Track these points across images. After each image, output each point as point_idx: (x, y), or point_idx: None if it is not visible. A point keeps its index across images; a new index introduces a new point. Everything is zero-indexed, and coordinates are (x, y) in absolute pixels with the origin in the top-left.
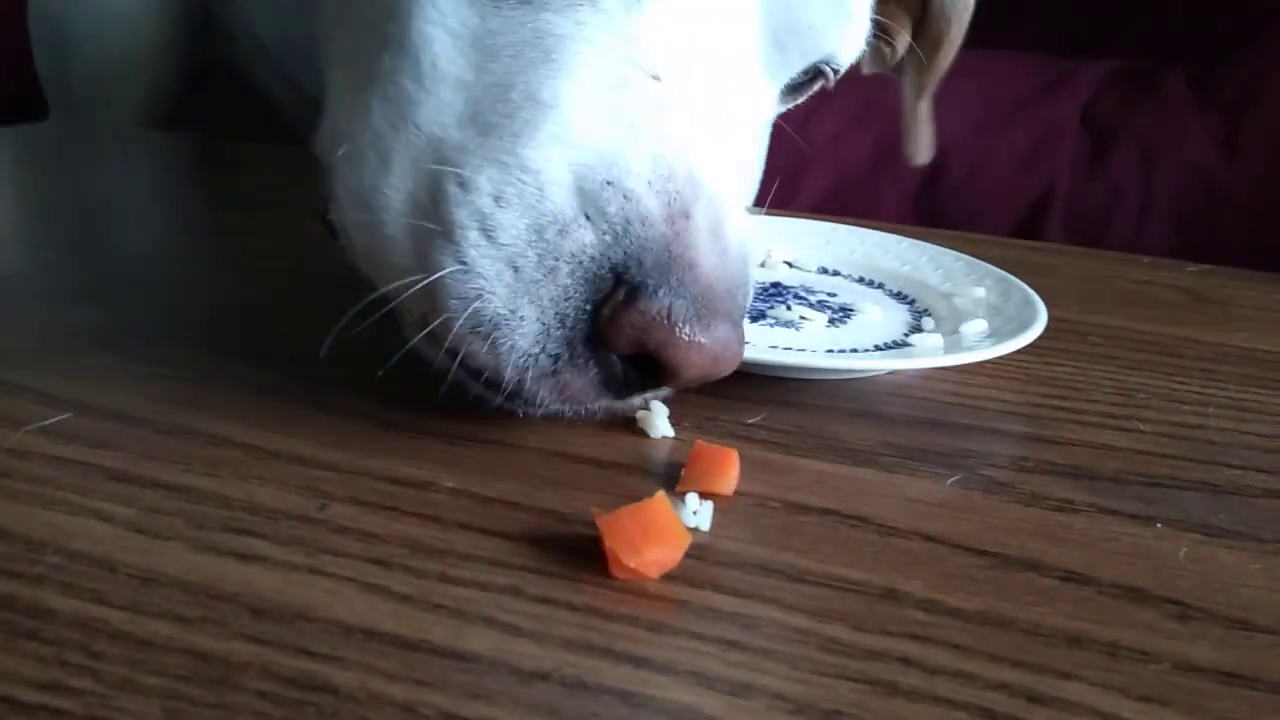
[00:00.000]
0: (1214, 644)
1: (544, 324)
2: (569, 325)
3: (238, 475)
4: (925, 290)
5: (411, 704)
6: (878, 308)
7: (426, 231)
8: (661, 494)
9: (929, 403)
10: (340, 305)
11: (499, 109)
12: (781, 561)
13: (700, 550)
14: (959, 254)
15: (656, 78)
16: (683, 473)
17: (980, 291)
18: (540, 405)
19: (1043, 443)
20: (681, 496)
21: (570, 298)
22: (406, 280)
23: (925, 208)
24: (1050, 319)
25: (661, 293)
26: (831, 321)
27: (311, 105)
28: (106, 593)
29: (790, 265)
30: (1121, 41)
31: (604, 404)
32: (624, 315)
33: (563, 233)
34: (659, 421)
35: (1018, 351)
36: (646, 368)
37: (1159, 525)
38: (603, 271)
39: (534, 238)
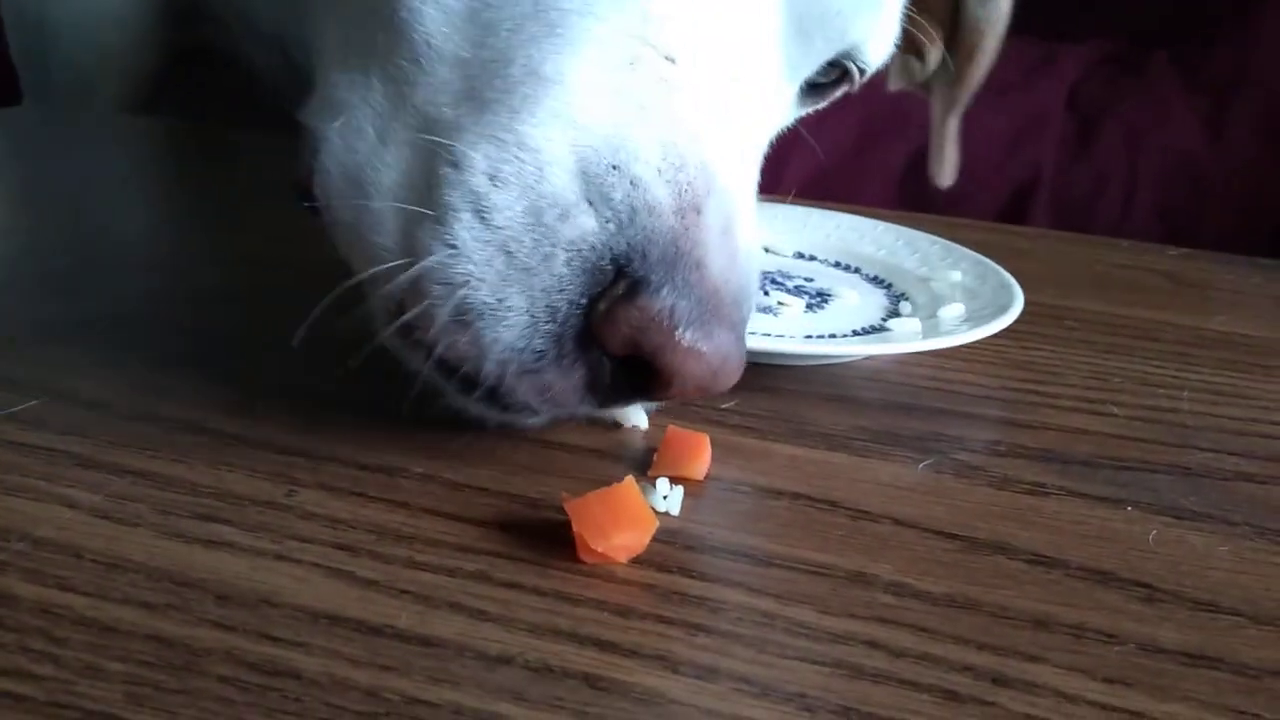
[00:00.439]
0: (1179, 626)
1: (533, 316)
2: (559, 319)
3: (206, 461)
4: (902, 275)
5: (375, 689)
6: (855, 292)
7: (416, 215)
8: (630, 479)
9: (904, 387)
10: (313, 295)
11: (496, 84)
12: (750, 546)
13: (669, 535)
14: (935, 238)
15: (670, 59)
16: (655, 458)
17: (957, 275)
18: (518, 407)
19: (1016, 427)
20: (653, 481)
21: (564, 289)
22: (388, 265)
23: (910, 193)
24: (1028, 303)
25: (665, 291)
26: (809, 306)
27: (303, 79)
28: (71, 579)
29: (767, 250)
30: (1108, 25)
31: (585, 410)
32: (622, 311)
33: (563, 217)
34: (631, 408)
35: (994, 336)
36: (636, 374)
37: (1129, 508)
38: (603, 263)
39: (531, 221)
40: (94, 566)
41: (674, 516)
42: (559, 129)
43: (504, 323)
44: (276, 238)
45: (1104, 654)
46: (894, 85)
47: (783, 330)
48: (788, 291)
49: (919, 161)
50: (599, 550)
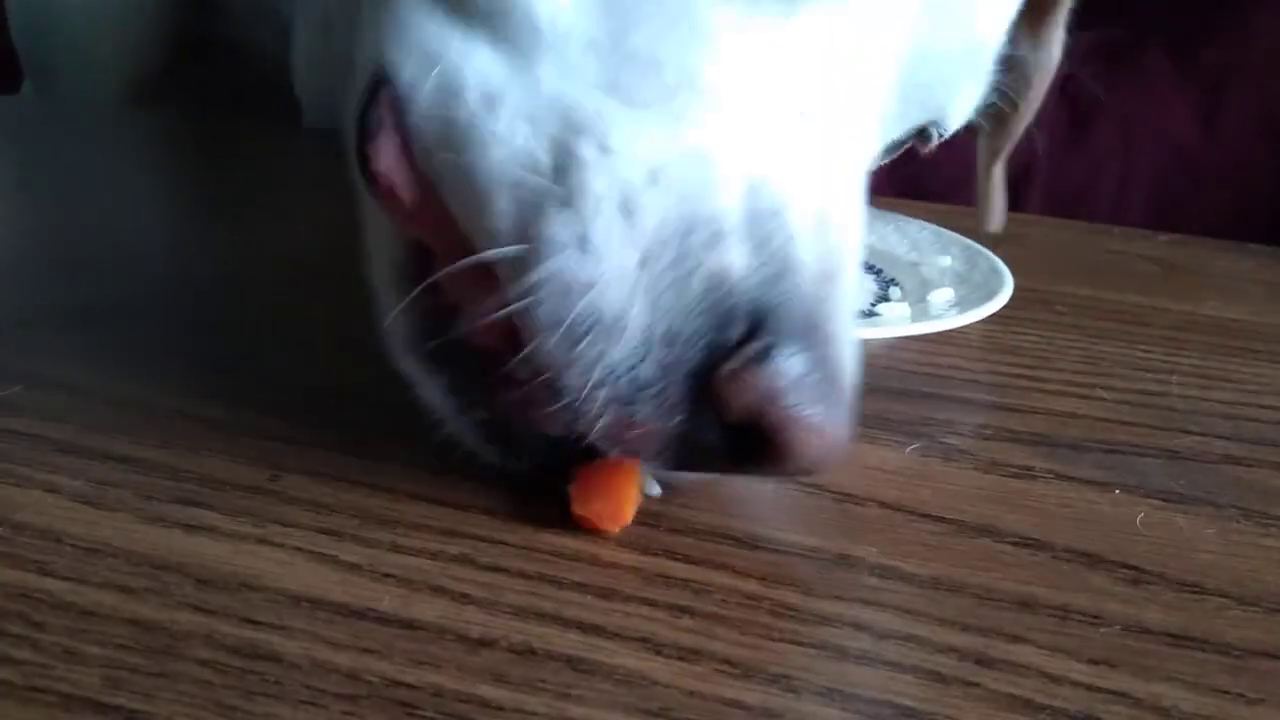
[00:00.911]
0: (1164, 607)
1: (648, 339)
2: (676, 349)
3: (189, 447)
4: (892, 260)
5: (356, 671)
6: None
7: (540, 192)
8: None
9: (893, 371)
10: (299, 281)
11: (651, 87)
12: (736, 528)
13: (654, 517)
14: (925, 223)
15: (805, 114)
16: None
17: (946, 260)
18: (596, 431)
19: (1005, 411)
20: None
21: (690, 317)
22: (506, 250)
23: (904, 181)
24: (1019, 289)
25: (802, 361)
26: None
27: (330, 63)
28: (50, 564)
29: None
30: (1103, 14)
31: (655, 465)
32: (751, 376)
33: (710, 243)
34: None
35: (984, 321)
36: (739, 441)
37: (1117, 491)
38: (738, 311)
39: (681, 234)
40: (74, 551)
41: (659, 498)
42: (732, 150)
43: (617, 341)
44: (268, 228)
45: (1089, 635)
46: None
47: None
48: None
49: (912, 151)
50: (577, 513)
